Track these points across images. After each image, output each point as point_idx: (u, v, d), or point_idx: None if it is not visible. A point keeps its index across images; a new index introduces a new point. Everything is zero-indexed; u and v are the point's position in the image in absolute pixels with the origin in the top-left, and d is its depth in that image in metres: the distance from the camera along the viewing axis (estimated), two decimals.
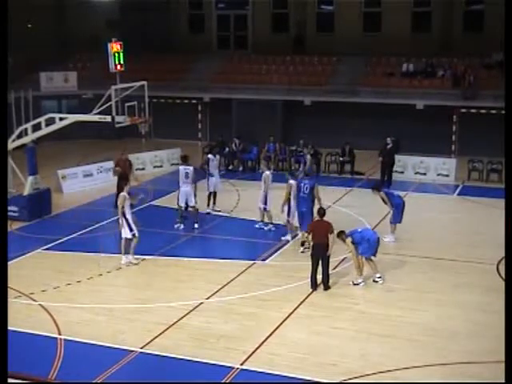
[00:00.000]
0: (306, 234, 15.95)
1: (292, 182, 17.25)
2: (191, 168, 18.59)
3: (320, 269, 14.35)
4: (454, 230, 19.17)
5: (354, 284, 14.70)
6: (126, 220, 15.79)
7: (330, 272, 15.26)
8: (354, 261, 14.69)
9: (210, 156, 20.46)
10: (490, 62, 30.00)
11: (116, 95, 19.19)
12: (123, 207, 15.74)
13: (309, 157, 21.85)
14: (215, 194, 20.27)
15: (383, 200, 17.63)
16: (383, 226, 18.50)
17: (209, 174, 20.14)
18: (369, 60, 32.52)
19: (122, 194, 16.11)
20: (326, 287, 14.36)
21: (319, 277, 14.37)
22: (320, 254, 14.23)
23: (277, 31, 35.40)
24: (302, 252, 16.55)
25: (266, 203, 18.27)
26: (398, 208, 17.57)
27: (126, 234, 15.88)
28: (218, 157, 20.60)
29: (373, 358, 11.38)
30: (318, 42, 34.02)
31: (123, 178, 20.76)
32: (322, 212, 14.69)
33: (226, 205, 20.79)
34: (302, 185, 17.05)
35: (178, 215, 18.83)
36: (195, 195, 18.65)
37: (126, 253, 16.00)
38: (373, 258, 14.87)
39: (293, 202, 17.08)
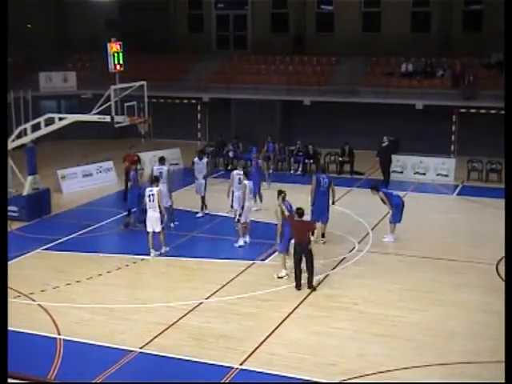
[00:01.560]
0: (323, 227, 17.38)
1: (246, 182, 17.36)
2: (165, 168, 18.85)
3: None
4: (454, 230, 19.17)
5: (278, 277, 14.89)
6: (161, 213, 16.39)
7: (329, 272, 15.30)
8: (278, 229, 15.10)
9: (195, 159, 20.40)
10: (489, 62, 30.02)
11: (115, 95, 19.17)
12: (159, 201, 16.38)
13: (260, 161, 21.93)
14: (203, 197, 20.20)
15: (382, 200, 17.64)
16: (383, 226, 18.52)
17: (194, 177, 20.19)
18: (368, 60, 32.54)
19: (157, 189, 16.56)
20: (311, 286, 14.31)
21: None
22: (302, 254, 14.21)
23: (276, 31, 35.41)
24: (324, 243, 17.25)
25: (232, 201, 18.47)
26: (397, 208, 17.58)
27: (158, 227, 16.35)
28: (205, 160, 20.33)
29: (372, 358, 11.38)
30: (318, 41, 34.04)
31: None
32: (300, 212, 14.44)
33: (225, 205, 20.74)
34: (321, 179, 17.57)
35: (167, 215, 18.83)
36: (170, 195, 18.83)
37: (157, 247, 16.57)
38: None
39: (247, 203, 17.23)
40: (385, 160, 24.26)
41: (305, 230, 14.27)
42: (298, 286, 14.30)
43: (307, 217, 17.31)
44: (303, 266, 14.39)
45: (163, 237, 16.74)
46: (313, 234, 14.34)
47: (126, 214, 19.14)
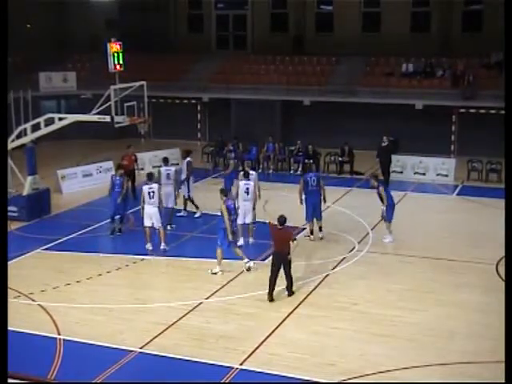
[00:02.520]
0: (310, 225, 17.57)
1: (241, 182, 17.40)
2: (173, 169, 18.98)
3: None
4: (454, 230, 19.16)
5: (212, 273, 15.24)
6: (159, 208, 17.01)
7: (329, 272, 15.31)
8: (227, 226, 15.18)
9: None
10: (489, 62, 30.01)
11: (115, 95, 19.18)
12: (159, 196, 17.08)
13: (232, 161, 21.76)
14: (190, 198, 20.04)
15: (380, 196, 17.60)
16: (383, 226, 18.53)
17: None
18: (368, 60, 32.53)
19: (157, 185, 17.10)
20: (290, 293, 14.02)
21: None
22: (281, 263, 13.74)
23: (276, 31, 35.41)
24: (322, 238, 17.65)
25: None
26: (389, 209, 17.55)
27: (159, 222, 16.86)
28: (186, 160, 19.99)
29: (372, 357, 11.38)
30: (317, 42, 34.03)
31: (129, 173, 20.88)
32: (282, 220, 13.78)
33: None
34: (309, 179, 17.70)
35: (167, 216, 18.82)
36: (175, 196, 18.80)
37: (155, 244, 17.00)
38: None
39: (242, 203, 17.20)
40: (385, 160, 24.24)
41: (285, 239, 13.73)
42: (271, 296, 13.73)
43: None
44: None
45: (163, 234, 16.88)
46: (294, 240, 13.94)
47: (118, 219, 18.57)
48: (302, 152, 26.42)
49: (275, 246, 13.91)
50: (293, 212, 19.85)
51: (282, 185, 23.80)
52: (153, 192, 16.75)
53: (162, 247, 16.83)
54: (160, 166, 19.46)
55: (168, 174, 18.70)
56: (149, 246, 16.88)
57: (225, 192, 15.67)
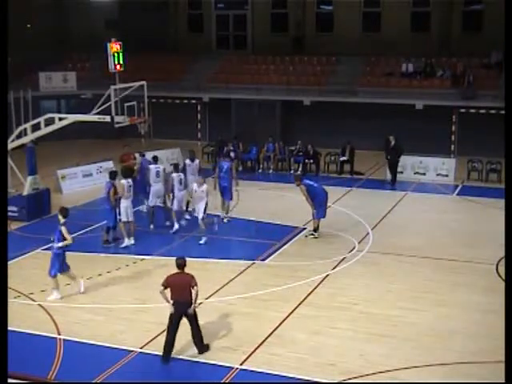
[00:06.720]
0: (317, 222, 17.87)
1: (174, 175, 18.12)
2: (162, 167, 19.07)
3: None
4: (454, 229, 19.14)
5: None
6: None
7: (329, 272, 15.29)
8: None
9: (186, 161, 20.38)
10: (489, 62, 30.01)
11: (115, 95, 19.19)
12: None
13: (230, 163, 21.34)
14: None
15: (304, 194, 17.82)
16: (383, 226, 18.53)
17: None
18: (368, 60, 32.52)
19: (125, 181, 17.29)
20: (201, 350, 11.55)
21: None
22: (183, 314, 11.42)
23: (276, 31, 35.38)
24: (307, 236, 17.87)
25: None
26: (320, 204, 17.86)
27: (131, 216, 17.40)
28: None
29: (372, 358, 11.38)
30: (318, 42, 34.01)
31: (128, 172, 20.85)
32: (180, 263, 11.44)
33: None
34: (308, 181, 18.16)
35: (148, 215, 18.99)
36: (165, 195, 18.93)
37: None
38: None
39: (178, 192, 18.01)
40: (393, 160, 24.22)
41: (183, 285, 11.31)
42: (167, 354, 11.33)
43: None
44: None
45: (133, 229, 17.38)
46: (194, 286, 11.29)
47: (105, 231, 17.68)
48: (302, 152, 26.41)
49: (173, 294, 11.37)
50: (292, 212, 19.94)
51: (282, 185, 23.80)
52: (129, 186, 17.14)
53: (128, 243, 17.29)
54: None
55: (157, 171, 18.71)
56: (126, 241, 17.31)
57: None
